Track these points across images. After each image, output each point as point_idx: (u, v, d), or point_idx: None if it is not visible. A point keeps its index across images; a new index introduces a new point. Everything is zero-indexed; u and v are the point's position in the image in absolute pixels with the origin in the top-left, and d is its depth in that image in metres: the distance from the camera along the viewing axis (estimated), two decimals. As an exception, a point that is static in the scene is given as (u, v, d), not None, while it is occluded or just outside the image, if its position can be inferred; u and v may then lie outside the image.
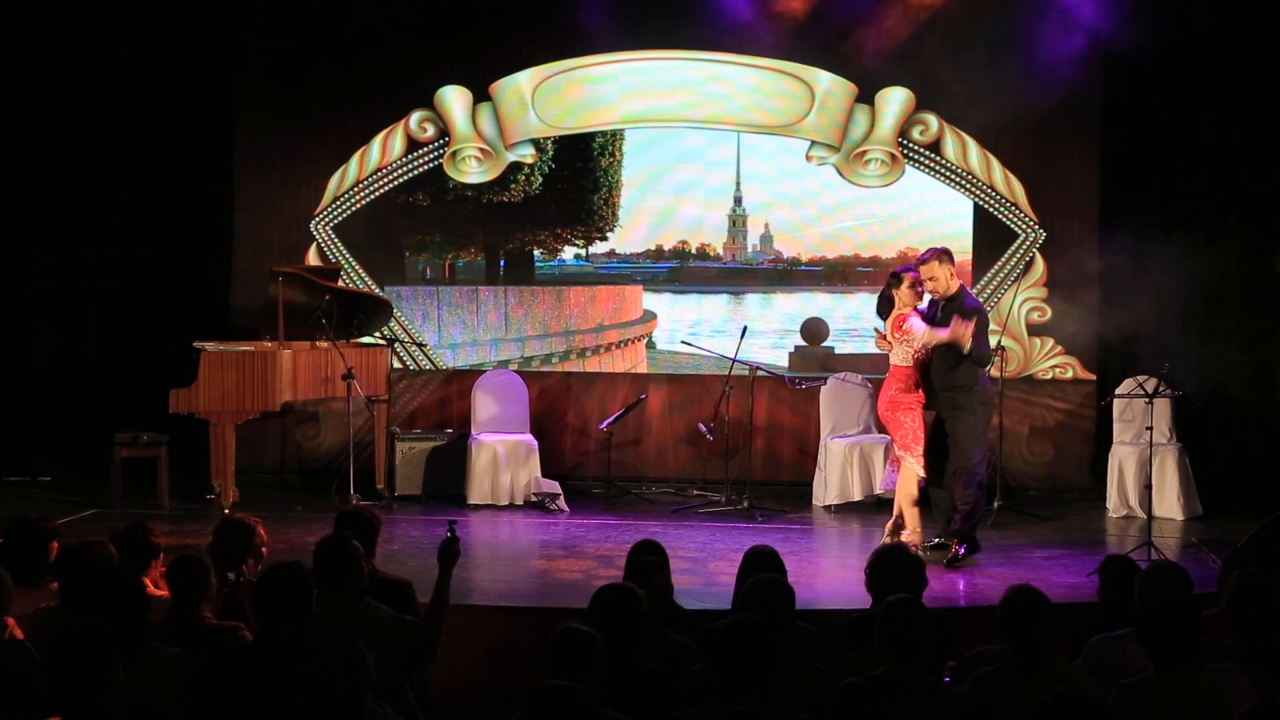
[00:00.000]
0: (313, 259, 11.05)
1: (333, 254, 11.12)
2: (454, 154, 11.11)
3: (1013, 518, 9.63)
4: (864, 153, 10.94)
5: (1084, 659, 4.87)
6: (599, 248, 11.37)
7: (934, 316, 8.35)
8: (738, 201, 11.30)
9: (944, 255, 8.38)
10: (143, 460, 9.73)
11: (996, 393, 9.08)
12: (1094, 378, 10.76)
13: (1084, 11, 10.05)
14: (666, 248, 11.41)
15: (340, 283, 10.60)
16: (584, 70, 11.06)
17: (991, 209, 10.88)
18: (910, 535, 8.31)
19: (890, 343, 8.42)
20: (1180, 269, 10.44)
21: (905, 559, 5.42)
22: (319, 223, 11.14)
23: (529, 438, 10.27)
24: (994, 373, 9.96)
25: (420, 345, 11.19)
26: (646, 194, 11.33)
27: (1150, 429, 8.88)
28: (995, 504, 9.59)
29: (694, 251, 11.39)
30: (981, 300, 10.82)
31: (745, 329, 10.30)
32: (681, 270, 11.41)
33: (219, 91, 10.97)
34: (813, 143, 11.00)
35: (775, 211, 11.37)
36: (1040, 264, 10.81)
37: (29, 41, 10.73)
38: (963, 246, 10.99)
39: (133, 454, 9.74)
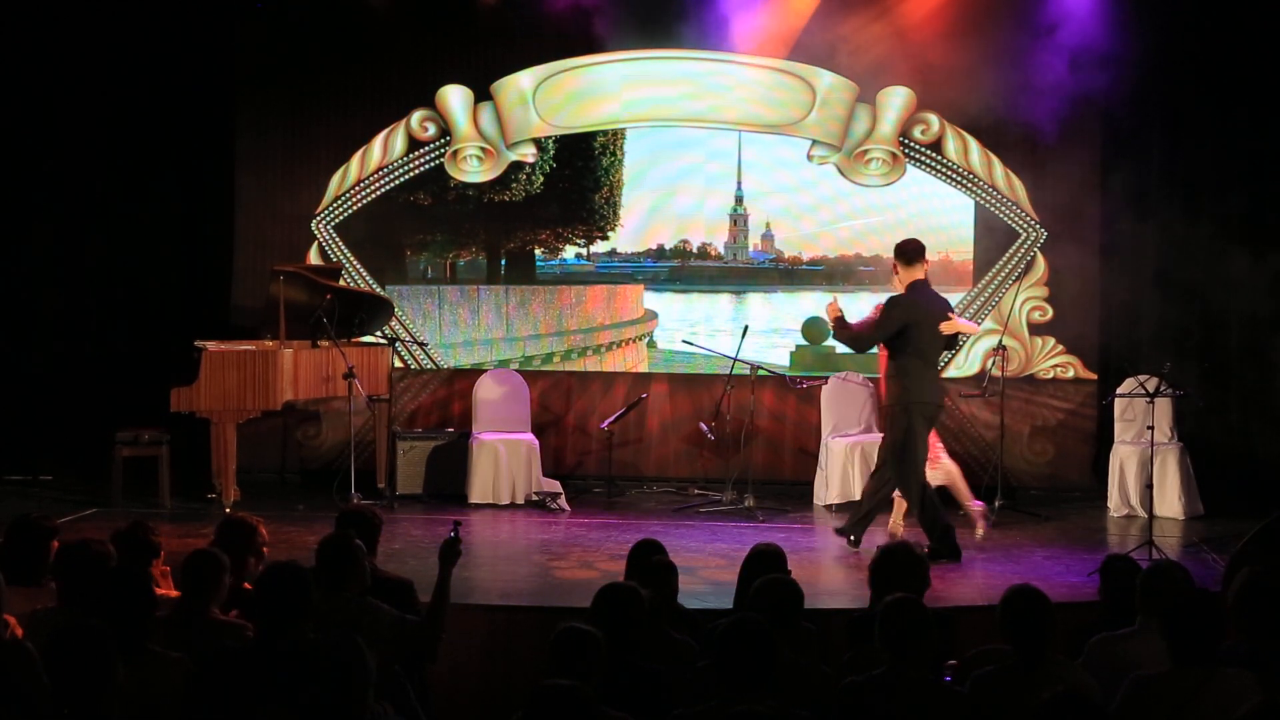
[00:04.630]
0: (314, 258, 11.06)
1: (334, 253, 11.13)
2: (455, 153, 11.11)
3: (1013, 517, 9.62)
4: (865, 152, 10.94)
5: (1085, 658, 4.87)
6: (600, 247, 11.37)
7: None
8: (739, 200, 11.30)
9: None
10: (144, 459, 9.73)
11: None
12: (1095, 377, 10.76)
13: (1084, 22, 10.06)
14: (668, 247, 11.41)
15: (341, 282, 10.61)
16: (585, 69, 11.06)
17: (993, 208, 10.88)
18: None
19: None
20: (1182, 267, 10.46)
21: (908, 558, 5.41)
22: (320, 222, 11.14)
23: (530, 437, 10.27)
24: (995, 372, 10.00)
25: (421, 344, 11.19)
26: (647, 193, 11.33)
27: (1151, 428, 8.89)
28: (996, 503, 9.58)
29: (695, 251, 11.38)
30: (983, 299, 10.88)
31: (746, 328, 10.30)
32: (682, 269, 11.41)
33: (219, 91, 10.97)
34: (814, 141, 11.00)
35: (776, 210, 11.37)
36: (1041, 263, 10.81)
37: (30, 41, 10.73)
38: (964, 246, 11.01)
39: (134, 453, 9.73)
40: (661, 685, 4.62)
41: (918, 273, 8.37)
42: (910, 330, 8.29)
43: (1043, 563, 8.33)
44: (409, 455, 10.26)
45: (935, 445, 8.68)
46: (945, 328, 8.34)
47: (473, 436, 10.23)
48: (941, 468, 8.78)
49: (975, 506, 8.79)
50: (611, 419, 10.50)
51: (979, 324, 10.13)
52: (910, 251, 8.40)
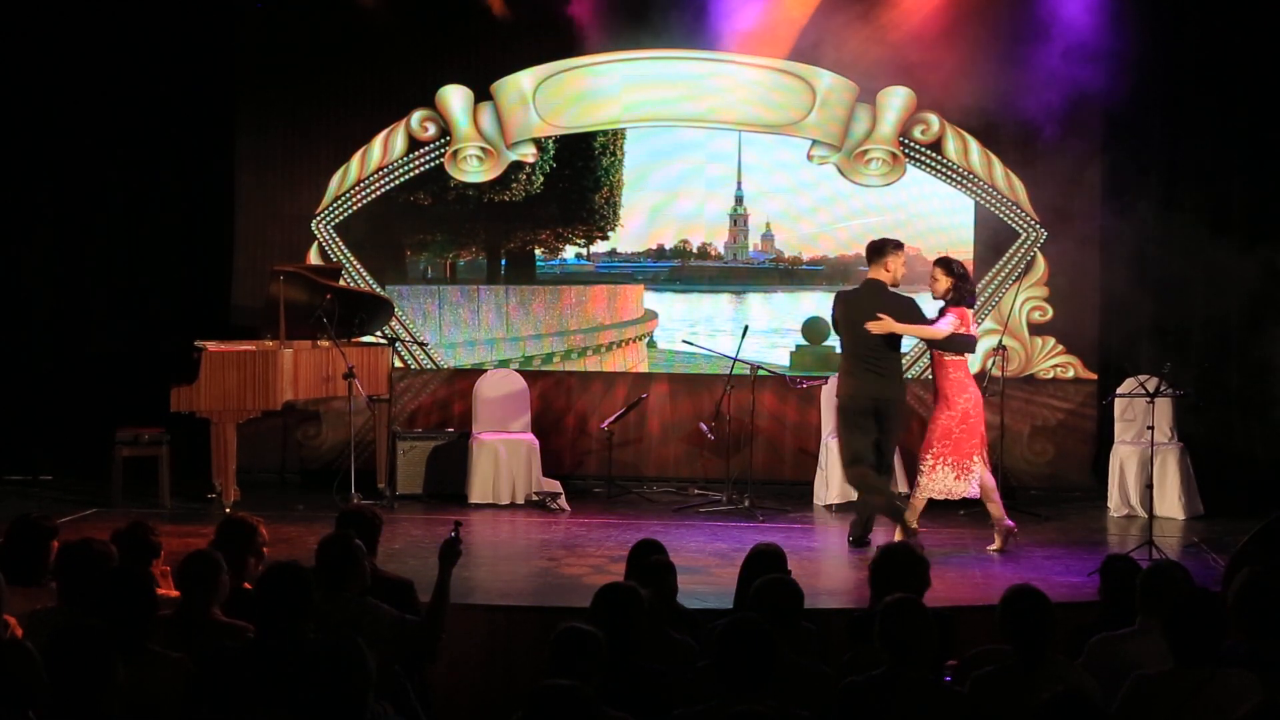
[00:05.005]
0: (314, 258, 11.05)
1: (334, 253, 11.13)
2: (455, 153, 11.11)
3: (1014, 517, 9.56)
4: (865, 152, 10.94)
5: (1085, 658, 4.87)
6: (600, 247, 11.37)
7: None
8: (739, 201, 11.30)
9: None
10: (144, 459, 9.72)
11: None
12: (1095, 377, 10.76)
13: (1083, 21, 10.06)
14: (667, 246, 11.41)
15: (341, 282, 10.60)
16: (586, 70, 11.06)
17: (993, 208, 10.88)
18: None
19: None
20: (1181, 267, 10.45)
21: (908, 558, 5.41)
22: (320, 222, 11.14)
23: (530, 437, 10.27)
24: (995, 372, 10.01)
25: (421, 344, 11.19)
26: (648, 194, 11.32)
27: (1151, 428, 8.89)
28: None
29: (695, 251, 11.38)
30: (983, 300, 10.87)
31: (746, 328, 10.31)
32: (683, 269, 11.41)
33: (219, 91, 10.97)
34: (814, 141, 11.00)
35: (776, 211, 11.35)
36: (1041, 263, 10.81)
37: (30, 41, 10.74)
38: (964, 246, 10.99)
39: (134, 453, 9.73)
40: (661, 685, 4.62)
41: (876, 272, 8.63)
42: (838, 328, 8.73)
43: (1043, 563, 8.33)
44: (409, 455, 10.26)
45: (971, 456, 8.53)
46: (872, 327, 8.39)
47: (473, 436, 10.23)
48: (970, 480, 8.49)
49: (1006, 525, 8.62)
50: (612, 419, 10.50)
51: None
52: (869, 250, 8.75)
